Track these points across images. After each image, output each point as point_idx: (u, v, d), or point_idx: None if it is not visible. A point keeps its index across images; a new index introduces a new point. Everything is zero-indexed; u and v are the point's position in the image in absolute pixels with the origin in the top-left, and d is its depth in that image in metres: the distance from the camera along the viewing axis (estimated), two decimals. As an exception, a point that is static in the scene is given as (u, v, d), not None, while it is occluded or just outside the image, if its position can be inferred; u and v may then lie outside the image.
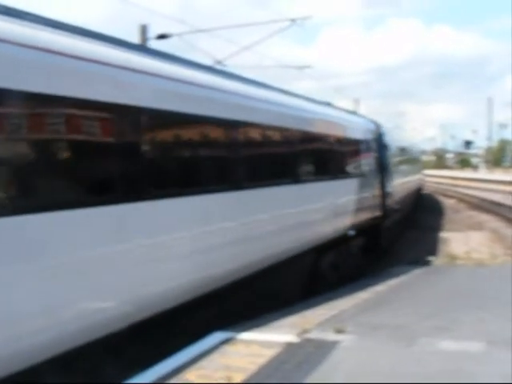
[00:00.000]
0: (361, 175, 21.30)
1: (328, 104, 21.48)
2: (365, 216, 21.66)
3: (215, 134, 11.35)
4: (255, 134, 13.09)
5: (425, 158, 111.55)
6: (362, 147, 22.08)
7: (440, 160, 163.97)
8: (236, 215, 11.73)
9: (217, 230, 10.89)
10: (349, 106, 60.80)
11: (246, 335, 9.67)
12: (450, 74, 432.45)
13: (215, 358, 8.53)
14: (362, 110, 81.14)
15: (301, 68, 31.46)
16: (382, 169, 25.09)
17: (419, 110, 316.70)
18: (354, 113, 26.20)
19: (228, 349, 9.00)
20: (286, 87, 17.11)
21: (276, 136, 14.20)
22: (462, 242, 27.31)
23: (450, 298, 13.66)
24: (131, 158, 8.58)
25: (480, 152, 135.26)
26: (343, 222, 18.92)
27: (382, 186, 24.86)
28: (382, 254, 24.43)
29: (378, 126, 26.58)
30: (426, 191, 59.43)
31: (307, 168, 16.00)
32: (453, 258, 22.06)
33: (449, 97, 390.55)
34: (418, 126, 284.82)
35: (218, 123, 11.24)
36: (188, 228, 9.90)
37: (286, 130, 14.51)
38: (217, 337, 9.55)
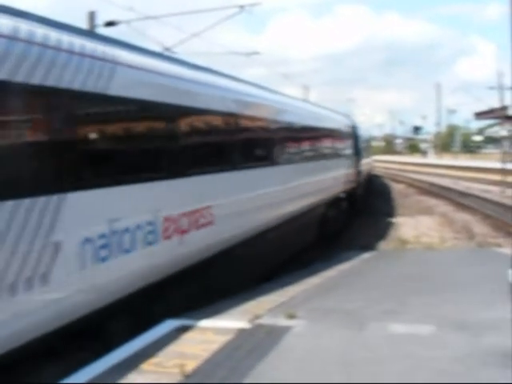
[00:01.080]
0: (347, 157, 32.38)
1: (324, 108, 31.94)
2: (348, 185, 31.84)
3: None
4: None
5: (374, 143, 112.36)
6: (347, 137, 33.22)
7: (389, 145, 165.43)
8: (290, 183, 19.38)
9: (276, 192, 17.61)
10: (298, 92, 60.98)
11: (198, 322, 9.67)
12: (399, 61, 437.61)
13: (168, 346, 8.52)
14: (313, 96, 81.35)
15: (249, 55, 31.44)
16: (357, 153, 36.00)
17: (369, 97, 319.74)
18: (337, 112, 35.16)
19: (181, 336, 8.99)
20: (236, 74, 16.99)
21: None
22: (411, 226, 27.61)
23: (400, 282, 13.82)
24: None
25: (429, 137, 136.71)
26: (339, 188, 29.39)
27: (357, 165, 35.57)
28: (356, 210, 33.96)
29: (353, 120, 38.57)
30: (375, 175, 59.81)
31: (325, 151, 26.61)
32: (403, 242, 22.29)
33: (398, 83, 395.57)
34: (367, 112, 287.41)
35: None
36: None
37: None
38: (170, 324, 9.54)
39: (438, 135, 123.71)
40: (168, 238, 10.62)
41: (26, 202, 7.33)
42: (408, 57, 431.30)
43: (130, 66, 10.17)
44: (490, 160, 67.88)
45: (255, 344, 8.53)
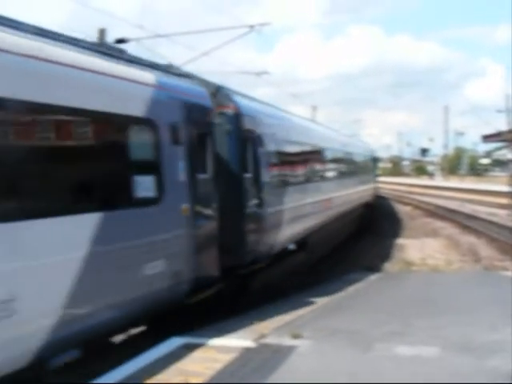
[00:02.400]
0: (371, 177, 46.54)
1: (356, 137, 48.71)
2: (373, 196, 46.07)
3: None
4: None
5: (381, 164, 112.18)
6: (371, 161, 49.16)
7: (396, 167, 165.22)
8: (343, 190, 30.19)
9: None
10: (306, 112, 61.12)
11: (203, 341, 9.67)
12: (408, 83, 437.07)
13: (173, 364, 8.52)
14: (320, 116, 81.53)
15: (259, 74, 31.49)
16: (374, 172, 50.23)
17: (377, 118, 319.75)
18: (362, 141, 52.43)
19: (185, 354, 8.99)
20: (246, 92, 17.25)
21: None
22: (417, 248, 27.57)
23: (406, 304, 13.80)
24: None
25: (436, 160, 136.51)
26: (369, 196, 43.02)
27: (374, 183, 48.35)
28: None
29: (371, 148, 53.81)
30: (381, 196, 59.75)
31: (364, 171, 41.67)
32: (408, 264, 22.27)
33: (406, 105, 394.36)
34: (375, 132, 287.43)
35: None
36: None
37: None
38: (174, 342, 9.55)
39: (445, 157, 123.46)
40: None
41: None
42: (418, 79, 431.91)
43: None
44: (497, 183, 67.68)
45: (260, 363, 8.53)
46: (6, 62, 7.38)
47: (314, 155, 23.89)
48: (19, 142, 7.74)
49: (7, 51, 7.41)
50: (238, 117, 14.47)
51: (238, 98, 15.20)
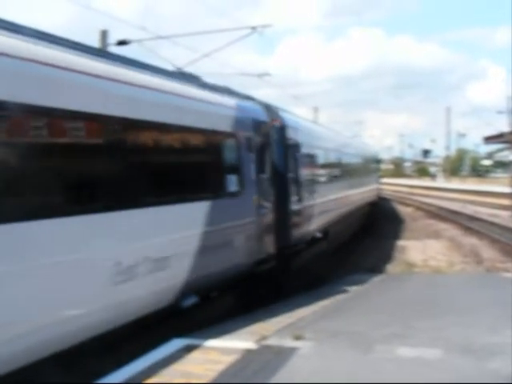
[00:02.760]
0: (376, 178, 51.25)
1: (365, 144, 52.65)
2: (377, 195, 49.46)
3: None
4: None
5: (383, 166, 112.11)
6: (375, 161, 53.49)
7: (398, 168, 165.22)
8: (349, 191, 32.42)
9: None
10: (308, 114, 61.18)
11: (204, 342, 9.66)
12: (409, 84, 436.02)
13: (173, 365, 8.51)
14: (322, 118, 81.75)
15: (260, 76, 31.53)
16: (377, 173, 55.16)
17: (378, 119, 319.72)
18: (367, 143, 58.04)
19: (186, 356, 8.98)
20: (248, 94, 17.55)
21: None
22: (419, 250, 27.57)
23: (407, 305, 13.80)
24: None
25: (438, 161, 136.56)
26: (374, 196, 46.46)
27: (377, 184, 52.18)
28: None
29: (375, 150, 60.82)
30: (383, 197, 59.83)
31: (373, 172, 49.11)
32: (410, 265, 22.28)
33: (408, 106, 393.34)
34: (376, 134, 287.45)
35: None
36: None
37: None
38: (175, 344, 9.54)
39: (447, 159, 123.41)
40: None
41: None
42: (419, 80, 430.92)
43: None
44: (499, 184, 67.67)
45: (261, 365, 8.52)
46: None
47: (334, 158, 28.62)
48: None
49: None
50: (283, 128, 17.81)
51: (282, 113, 18.72)
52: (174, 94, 11.54)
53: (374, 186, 47.36)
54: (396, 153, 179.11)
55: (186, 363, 8.64)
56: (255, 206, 14.52)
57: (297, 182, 18.60)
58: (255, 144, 14.88)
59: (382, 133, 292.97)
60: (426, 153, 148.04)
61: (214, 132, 12.74)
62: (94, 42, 24.02)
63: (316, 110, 67.65)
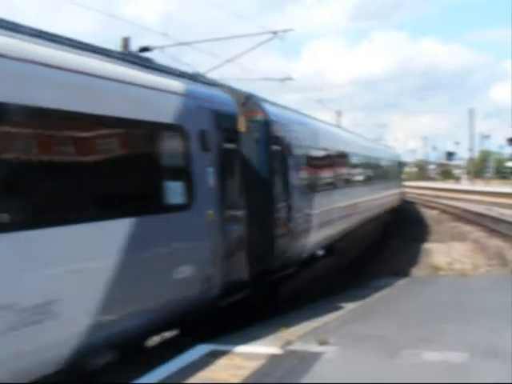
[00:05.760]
0: (398, 182, 49.20)
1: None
2: (400, 200, 48.77)
3: None
4: None
5: (407, 169, 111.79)
6: (398, 166, 52.64)
7: (422, 171, 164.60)
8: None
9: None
10: (331, 118, 61.04)
11: (229, 348, 9.67)
12: (433, 86, 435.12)
13: (199, 371, 8.52)
14: (345, 122, 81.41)
15: (283, 80, 31.49)
16: (400, 177, 53.50)
17: (402, 122, 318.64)
18: (388, 146, 54.62)
19: (212, 361, 8.99)
20: (272, 99, 17.32)
21: None
22: (444, 252, 27.37)
23: (433, 309, 13.71)
24: None
25: (462, 163, 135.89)
26: (396, 200, 45.38)
27: (400, 188, 50.53)
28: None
29: (397, 153, 58.77)
30: (407, 200, 59.65)
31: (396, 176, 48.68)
32: (435, 268, 22.12)
33: (432, 109, 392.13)
34: (400, 137, 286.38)
35: None
36: None
37: None
38: (201, 349, 9.55)
39: (471, 161, 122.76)
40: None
41: None
42: (443, 82, 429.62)
43: None
44: (524, 186, 67.26)
45: (286, 370, 8.51)
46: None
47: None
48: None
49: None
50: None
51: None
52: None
53: (395, 191, 45.13)
54: (420, 155, 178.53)
55: (212, 369, 8.66)
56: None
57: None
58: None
59: (406, 136, 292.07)
60: (450, 155, 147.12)
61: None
62: (117, 49, 24.19)
63: (339, 113, 67.55)
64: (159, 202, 9.86)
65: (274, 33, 23.07)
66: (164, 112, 10.34)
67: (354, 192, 26.26)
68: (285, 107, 19.16)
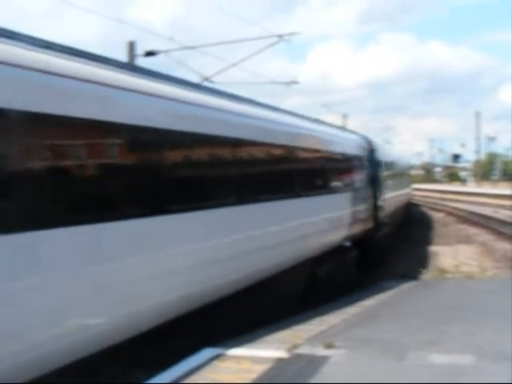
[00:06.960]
0: (408, 183, 53.59)
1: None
2: (409, 198, 53.38)
3: None
4: None
5: (413, 172, 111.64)
6: (409, 168, 63.82)
7: (428, 174, 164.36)
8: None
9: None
10: (337, 121, 61.07)
11: (236, 351, 9.66)
12: (441, 89, 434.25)
13: (205, 374, 8.52)
14: (351, 125, 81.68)
15: (289, 84, 31.45)
16: (409, 179, 58.19)
17: (409, 125, 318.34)
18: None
19: (218, 365, 8.99)
20: (277, 103, 17.72)
21: None
22: (451, 255, 27.33)
23: (440, 311, 13.68)
24: None
25: (468, 165, 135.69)
26: (405, 201, 47.48)
27: (409, 188, 54.91)
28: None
29: (407, 156, 72.57)
30: (413, 203, 59.59)
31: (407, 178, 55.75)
32: (442, 271, 22.09)
33: (439, 111, 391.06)
34: (407, 139, 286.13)
35: None
36: None
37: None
38: (207, 353, 9.54)
39: (477, 163, 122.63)
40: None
41: None
42: (450, 85, 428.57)
43: None
44: (531, 188, 67.02)
45: (293, 374, 8.50)
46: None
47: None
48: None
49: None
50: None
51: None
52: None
53: (406, 191, 49.02)
54: (426, 158, 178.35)
55: (218, 372, 8.65)
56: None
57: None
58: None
59: (413, 138, 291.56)
60: (456, 157, 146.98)
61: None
62: (123, 53, 24.23)
63: (345, 116, 67.47)
64: (353, 186, 21.95)
65: (280, 36, 23.11)
66: (358, 149, 23.99)
67: (399, 186, 39.40)
68: (381, 140, 35.17)
